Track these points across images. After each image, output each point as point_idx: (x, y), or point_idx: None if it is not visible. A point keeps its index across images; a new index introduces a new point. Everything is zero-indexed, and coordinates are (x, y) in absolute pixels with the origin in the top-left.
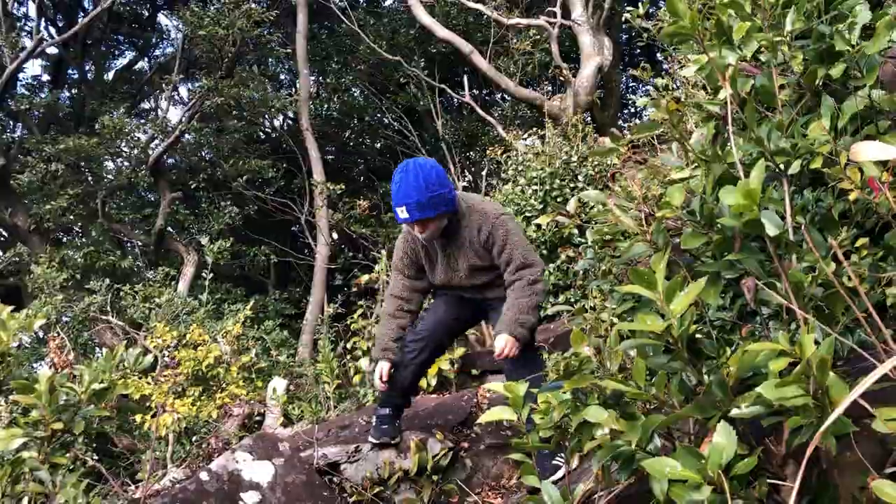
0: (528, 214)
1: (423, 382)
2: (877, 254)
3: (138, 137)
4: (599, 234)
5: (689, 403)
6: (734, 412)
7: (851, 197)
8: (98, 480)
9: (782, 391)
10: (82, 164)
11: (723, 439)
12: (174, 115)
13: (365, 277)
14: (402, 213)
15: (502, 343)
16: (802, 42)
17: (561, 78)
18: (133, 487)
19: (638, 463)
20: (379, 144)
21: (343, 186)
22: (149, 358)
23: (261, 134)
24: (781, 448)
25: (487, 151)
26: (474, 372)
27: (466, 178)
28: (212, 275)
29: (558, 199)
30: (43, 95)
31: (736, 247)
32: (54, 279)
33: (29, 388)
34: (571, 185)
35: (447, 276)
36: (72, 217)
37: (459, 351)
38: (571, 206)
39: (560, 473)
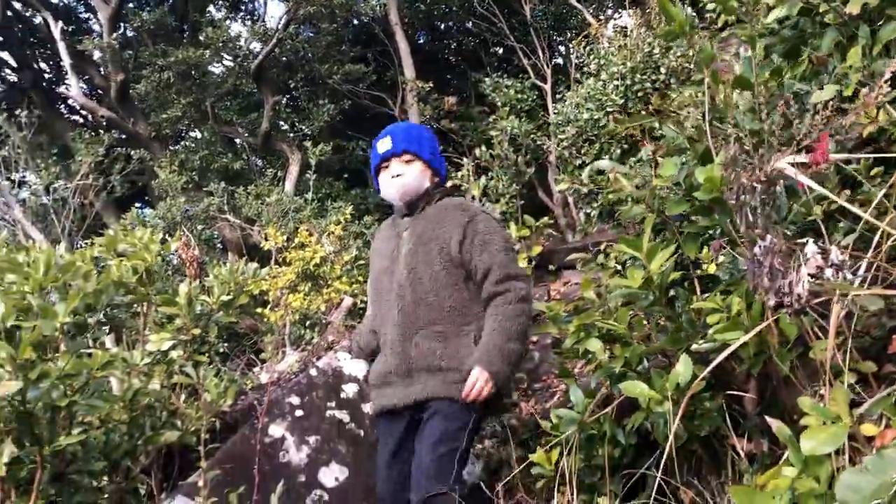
0: (608, 110)
1: None
2: None
3: (240, 45)
4: (606, 201)
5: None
6: (694, 346)
7: None
8: (224, 362)
9: (724, 335)
10: (192, 71)
11: (682, 367)
12: (273, 8)
13: (448, 184)
14: (383, 144)
15: (475, 380)
16: None
17: None
18: (257, 368)
19: (626, 380)
20: (469, 24)
21: (432, 84)
22: (264, 271)
23: (350, 35)
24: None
25: (572, 43)
26: (551, 267)
27: (555, 62)
28: (315, 175)
29: (639, 95)
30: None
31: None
32: (176, 183)
33: (172, 301)
34: (653, 77)
35: (396, 279)
36: (186, 123)
37: (537, 248)
38: (585, 175)
39: None
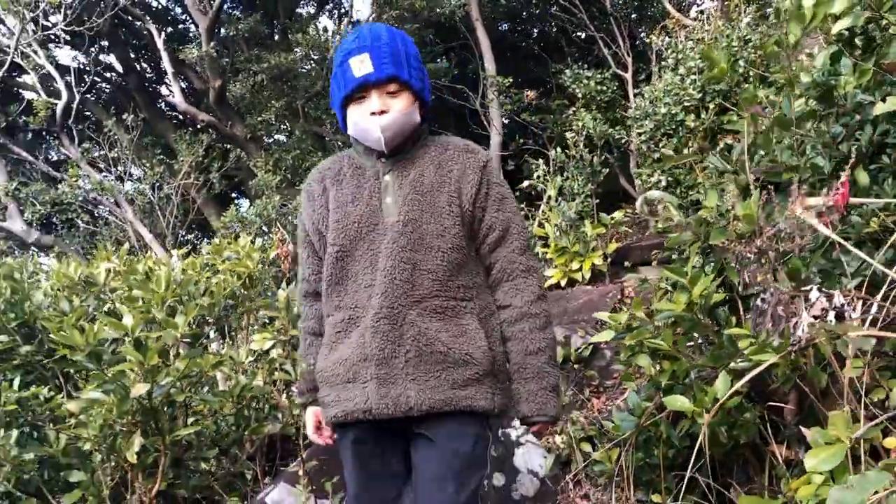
0: (686, 104)
1: (577, 275)
2: None
3: (327, 47)
4: (656, 229)
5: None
6: (731, 365)
7: None
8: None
9: (758, 356)
10: (285, 72)
11: (720, 384)
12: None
13: (525, 182)
14: (360, 64)
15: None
16: None
17: None
18: None
19: (674, 392)
20: (552, 9)
21: (512, 77)
22: None
23: (431, 34)
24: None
25: (651, 36)
26: (627, 264)
27: (636, 48)
28: None
29: (716, 89)
30: (239, 14)
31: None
32: (271, 182)
33: (272, 305)
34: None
35: (373, 223)
36: (280, 122)
37: (612, 245)
38: (639, 204)
39: None
